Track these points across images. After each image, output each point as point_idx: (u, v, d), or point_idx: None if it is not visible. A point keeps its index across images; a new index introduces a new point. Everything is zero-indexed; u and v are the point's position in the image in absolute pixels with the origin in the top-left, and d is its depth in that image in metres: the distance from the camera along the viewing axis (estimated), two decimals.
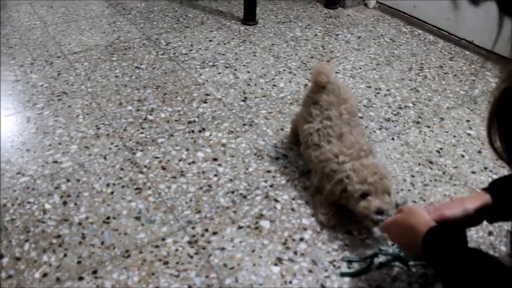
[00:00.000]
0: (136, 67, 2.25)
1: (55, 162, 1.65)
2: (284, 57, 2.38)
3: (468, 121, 1.97)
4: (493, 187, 1.19)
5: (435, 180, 1.65)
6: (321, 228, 1.43)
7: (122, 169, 1.64)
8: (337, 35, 2.65)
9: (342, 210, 1.43)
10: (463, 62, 2.45)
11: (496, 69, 2.39)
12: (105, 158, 1.68)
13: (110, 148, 1.73)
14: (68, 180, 1.58)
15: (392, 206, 1.33)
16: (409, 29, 2.79)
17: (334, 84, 1.56)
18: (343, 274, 1.29)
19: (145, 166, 1.65)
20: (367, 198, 1.32)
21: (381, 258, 1.32)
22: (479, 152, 1.80)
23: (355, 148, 1.41)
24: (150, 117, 1.90)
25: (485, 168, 1.72)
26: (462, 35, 2.61)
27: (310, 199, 1.53)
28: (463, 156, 1.77)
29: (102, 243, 1.37)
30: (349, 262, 1.32)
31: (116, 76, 2.16)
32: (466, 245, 1.01)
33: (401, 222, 1.14)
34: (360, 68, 2.32)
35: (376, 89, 2.15)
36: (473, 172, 1.70)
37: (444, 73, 2.33)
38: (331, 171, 1.40)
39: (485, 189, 1.20)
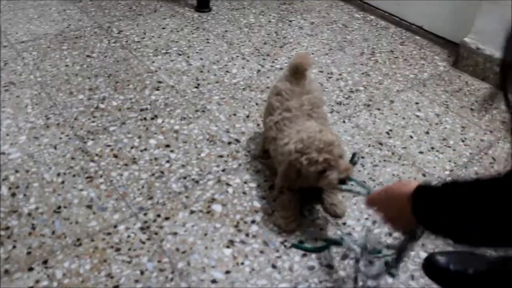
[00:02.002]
0: (87, 55, 2.21)
1: (3, 153, 1.62)
2: (238, 44, 2.38)
3: (417, 103, 2.03)
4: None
5: (384, 160, 1.69)
6: (272, 210, 1.45)
7: (73, 158, 1.61)
8: (290, 21, 2.67)
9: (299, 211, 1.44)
10: (413, 47, 2.51)
11: (444, 53, 2.46)
12: (55, 148, 1.65)
13: (60, 138, 1.70)
14: (16, 171, 1.55)
15: (350, 168, 1.30)
16: (361, 15, 2.83)
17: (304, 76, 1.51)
18: (294, 246, 1.30)
19: (97, 155, 1.63)
20: (324, 175, 1.28)
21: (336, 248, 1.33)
22: (427, 133, 1.85)
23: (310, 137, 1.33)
24: (101, 106, 1.87)
25: (432, 148, 1.78)
26: (413, 21, 2.67)
27: (262, 182, 1.55)
28: (411, 137, 1.82)
29: (53, 232, 1.35)
30: (301, 249, 1.33)
31: (67, 65, 2.12)
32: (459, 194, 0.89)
33: (385, 191, 1.06)
34: (313, 54, 2.35)
35: (328, 73, 2.18)
36: (421, 152, 1.75)
37: (395, 58, 2.39)
38: (286, 156, 1.35)
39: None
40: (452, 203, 0.86)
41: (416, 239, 1.08)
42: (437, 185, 0.91)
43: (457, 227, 0.86)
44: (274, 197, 1.49)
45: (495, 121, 1.96)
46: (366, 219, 1.45)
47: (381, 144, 1.77)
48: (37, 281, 1.22)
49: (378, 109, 1.96)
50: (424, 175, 1.64)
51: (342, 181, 1.28)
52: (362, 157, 1.69)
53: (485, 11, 2.15)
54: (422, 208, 0.93)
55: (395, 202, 1.00)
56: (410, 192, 0.94)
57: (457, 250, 1.35)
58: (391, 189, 1.03)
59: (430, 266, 1.33)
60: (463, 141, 1.83)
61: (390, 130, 1.85)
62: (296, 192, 1.43)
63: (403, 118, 1.92)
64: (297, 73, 1.49)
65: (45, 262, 1.27)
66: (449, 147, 1.79)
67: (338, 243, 1.30)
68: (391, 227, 1.11)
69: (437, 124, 1.91)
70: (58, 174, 1.55)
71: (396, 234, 1.36)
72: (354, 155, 1.54)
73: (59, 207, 1.43)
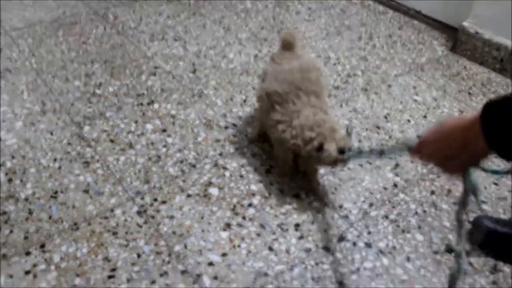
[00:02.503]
0: (83, 42, 2.20)
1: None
2: (235, 29, 2.37)
3: (414, 87, 2.02)
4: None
5: (382, 144, 1.69)
6: (269, 193, 1.45)
7: (69, 143, 1.61)
8: (288, 6, 2.65)
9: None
10: (411, 31, 2.49)
11: (443, 38, 2.44)
12: (51, 133, 1.65)
13: (57, 124, 1.69)
14: (13, 157, 1.55)
15: (346, 138, 1.34)
16: (359, 0, 2.81)
17: (298, 52, 1.58)
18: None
19: (93, 140, 1.63)
20: (324, 149, 1.32)
21: None
22: (425, 117, 1.85)
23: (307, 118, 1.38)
24: (98, 92, 1.87)
25: None
26: (411, 5, 2.65)
27: (259, 166, 1.55)
28: (409, 121, 1.82)
29: (50, 217, 1.35)
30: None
31: (62, 52, 2.11)
32: None
33: (437, 130, 0.90)
34: (310, 38, 2.34)
35: (325, 58, 2.17)
36: (419, 136, 1.74)
37: (393, 42, 2.37)
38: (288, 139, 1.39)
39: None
40: None
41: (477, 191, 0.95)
42: (507, 96, 0.76)
43: None
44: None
45: None
46: (363, 201, 1.45)
47: (378, 128, 1.76)
48: (35, 265, 1.22)
49: (376, 93, 1.96)
50: None
51: (342, 151, 1.31)
52: (360, 141, 1.69)
53: None
54: (496, 125, 0.77)
55: (453, 136, 0.85)
56: (472, 118, 0.79)
57: (498, 217, 1.39)
58: (444, 126, 0.88)
59: (477, 230, 1.33)
60: None
61: (388, 114, 1.84)
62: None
63: (401, 102, 1.92)
64: (286, 46, 1.58)
65: (42, 246, 1.27)
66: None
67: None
68: (447, 172, 0.93)
69: (434, 108, 1.90)
70: (55, 160, 1.54)
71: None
72: (346, 128, 1.54)
73: (56, 192, 1.43)
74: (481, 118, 0.77)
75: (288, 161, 1.47)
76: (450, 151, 0.86)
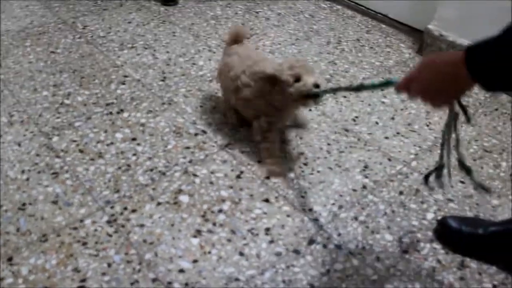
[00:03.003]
0: (52, 51, 2.18)
1: None
2: (204, 36, 2.38)
3: (382, 90, 2.05)
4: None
5: (350, 146, 1.71)
6: (239, 198, 1.46)
7: (38, 154, 1.59)
8: (257, 12, 2.67)
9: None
10: (379, 35, 2.54)
11: (409, 41, 2.49)
12: (19, 145, 1.63)
13: (24, 135, 1.67)
14: None
15: (323, 80, 1.44)
16: (328, 5, 2.85)
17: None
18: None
19: (62, 150, 1.61)
20: (302, 80, 1.43)
21: None
22: (392, 118, 1.88)
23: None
24: (66, 102, 1.85)
25: (398, 133, 1.80)
26: (378, 10, 2.70)
27: (229, 172, 1.56)
28: (377, 123, 1.85)
29: (18, 230, 1.34)
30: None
31: (30, 62, 2.09)
32: None
33: (425, 64, 0.97)
34: (280, 44, 2.36)
35: None
36: (386, 138, 1.78)
37: (361, 46, 2.41)
38: (258, 73, 1.51)
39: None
40: None
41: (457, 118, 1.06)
42: (492, 36, 0.82)
43: None
44: (258, 141, 1.61)
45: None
46: (333, 204, 1.47)
47: (347, 130, 1.79)
48: (2, 279, 1.21)
49: (345, 97, 1.98)
50: (389, 159, 1.67)
51: (317, 86, 1.41)
52: (329, 144, 1.71)
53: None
54: (481, 60, 0.84)
55: (442, 72, 0.91)
56: (461, 53, 0.86)
57: (465, 216, 1.46)
58: (431, 60, 0.95)
59: (443, 229, 1.39)
60: (427, 125, 1.86)
61: (356, 117, 1.87)
62: (277, 137, 1.60)
63: (369, 105, 1.95)
64: (236, 41, 1.71)
65: (9, 259, 1.26)
66: (414, 131, 1.82)
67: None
68: (435, 106, 1.00)
69: (402, 109, 1.94)
70: (23, 171, 1.53)
71: None
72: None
73: (24, 204, 1.42)
74: (465, 56, 0.85)
75: (263, 111, 1.55)
76: (438, 87, 0.93)
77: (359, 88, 1.24)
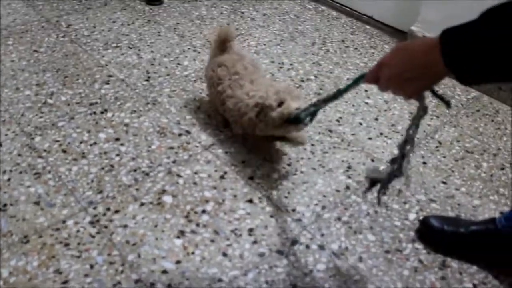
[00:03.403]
0: (35, 50, 2.16)
1: None
2: (189, 36, 2.37)
3: (366, 91, 2.07)
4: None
5: (334, 147, 1.72)
6: (223, 199, 1.46)
7: (19, 155, 1.58)
8: (243, 12, 2.67)
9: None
10: (363, 36, 2.55)
11: (393, 42, 2.51)
12: (1, 145, 1.61)
13: (6, 135, 1.66)
14: None
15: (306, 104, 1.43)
16: (313, 6, 2.85)
17: (232, 45, 1.72)
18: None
19: (45, 150, 1.60)
20: (285, 104, 1.44)
21: None
22: (376, 119, 1.90)
23: (266, 87, 1.53)
24: (49, 101, 1.84)
25: (381, 134, 1.82)
26: (363, 11, 2.72)
27: (213, 172, 1.56)
28: (360, 124, 1.86)
29: None
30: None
31: (12, 61, 2.06)
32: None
33: (398, 49, 0.92)
34: (265, 44, 2.36)
35: (279, 63, 2.20)
36: (370, 138, 1.79)
37: (346, 47, 2.42)
38: (245, 107, 1.52)
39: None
40: (491, 29, 0.76)
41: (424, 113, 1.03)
42: (469, 20, 0.79)
43: (501, 55, 0.76)
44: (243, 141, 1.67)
45: (441, 106, 2.02)
46: (316, 204, 1.48)
47: (331, 131, 1.80)
48: None
49: None
50: (373, 160, 1.68)
51: (298, 108, 1.42)
52: (313, 145, 1.72)
53: (430, 0, 2.21)
54: (456, 43, 0.80)
55: (415, 59, 0.87)
56: (432, 41, 0.82)
57: (445, 216, 1.47)
58: (403, 45, 0.91)
59: (426, 229, 1.41)
60: None
61: (340, 118, 1.88)
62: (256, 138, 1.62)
63: (353, 106, 1.96)
64: (224, 44, 1.70)
65: None
66: (397, 132, 1.84)
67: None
68: (405, 95, 0.96)
69: (386, 110, 1.95)
70: (4, 172, 1.51)
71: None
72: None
73: (5, 205, 1.40)
74: (440, 41, 0.80)
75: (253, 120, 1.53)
76: (411, 74, 0.88)
77: (337, 94, 1.24)
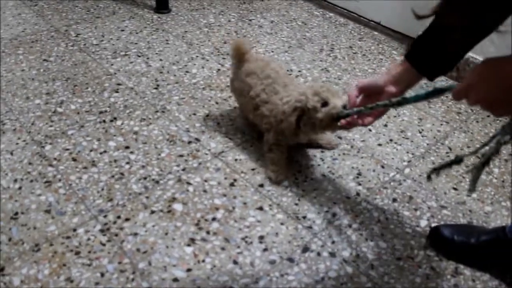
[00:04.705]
0: (44, 59, 2.17)
1: None
2: (197, 44, 2.38)
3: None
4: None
5: (344, 154, 1.72)
6: (233, 206, 1.46)
7: (30, 163, 1.59)
8: (250, 20, 2.68)
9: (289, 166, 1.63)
10: (371, 42, 2.55)
11: (402, 48, 2.51)
12: (11, 153, 1.62)
13: (17, 144, 1.67)
14: None
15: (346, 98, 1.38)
16: (321, 12, 2.86)
17: (251, 54, 1.70)
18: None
19: (55, 159, 1.61)
20: (329, 103, 1.39)
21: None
22: (385, 125, 1.89)
23: (302, 89, 1.50)
24: (59, 110, 1.85)
25: (391, 140, 1.81)
26: (371, 17, 2.72)
27: (223, 180, 1.55)
28: (370, 130, 1.85)
29: (10, 239, 1.33)
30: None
31: (23, 70, 2.08)
32: None
33: (486, 75, 0.87)
34: (273, 51, 2.37)
35: (288, 70, 2.20)
36: (379, 145, 1.78)
37: (354, 53, 2.42)
38: (282, 114, 1.49)
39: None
40: None
41: None
42: None
43: None
44: (266, 151, 1.62)
45: (450, 112, 2.01)
46: (327, 211, 1.47)
47: (340, 138, 1.79)
48: None
49: None
50: (382, 166, 1.67)
51: (345, 106, 1.35)
52: (322, 152, 1.72)
53: None
54: None
55: (505, 79, 0.83)
56: None
57: (458, 224, 1.48)
58: (493, 66, 0.86)
59: (436, 237, 1.40)
60: (420, 132, 1.87)
61: None
62: (285, 150, 1.60)
63: None
64: (243, 56, 1.67)
65: (1, 269, 1.25)
66: (407, 138, 1.83)
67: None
68: (496, 115, 0.93)
69: (395, 116, 1.95)
70: (15, 180, 1.52)
71: None
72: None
73: (16, 214, 1.41)
74: None
75: (290, 129, 1.49)
76: (501, 95, 0.84)
77: (401, 102, 1.14)
